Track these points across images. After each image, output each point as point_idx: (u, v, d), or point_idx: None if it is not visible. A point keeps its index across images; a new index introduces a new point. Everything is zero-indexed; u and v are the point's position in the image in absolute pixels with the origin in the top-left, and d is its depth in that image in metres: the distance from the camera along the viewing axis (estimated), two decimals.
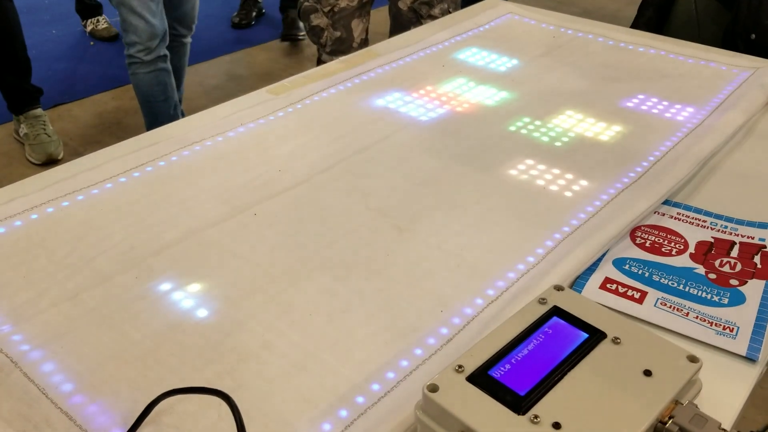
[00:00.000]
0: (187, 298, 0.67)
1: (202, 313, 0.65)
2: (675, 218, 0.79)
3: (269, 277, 0.69)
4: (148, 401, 0.55)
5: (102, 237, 0.74)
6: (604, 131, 0.96)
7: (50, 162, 2.26)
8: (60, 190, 0.80)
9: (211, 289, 0.68)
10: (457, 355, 0.54)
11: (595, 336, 0.53)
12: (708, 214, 0.80)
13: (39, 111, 2.34)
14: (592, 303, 0.57)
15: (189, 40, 2.32)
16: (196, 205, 0.80)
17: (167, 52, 2.10)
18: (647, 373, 0.50)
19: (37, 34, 3.11)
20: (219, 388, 0.54)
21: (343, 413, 0.55)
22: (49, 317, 0.64)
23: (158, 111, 2.15)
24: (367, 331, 0.63)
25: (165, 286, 0.68)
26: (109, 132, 2.48)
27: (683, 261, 0.73)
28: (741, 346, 0.62)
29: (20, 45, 2.24)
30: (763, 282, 0.70)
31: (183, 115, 2.40)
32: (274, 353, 0.61)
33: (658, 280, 0.70)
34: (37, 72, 2.35)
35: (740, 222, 0.78)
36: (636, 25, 1.69)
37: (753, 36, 1.46)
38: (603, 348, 0.52)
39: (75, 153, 2.33)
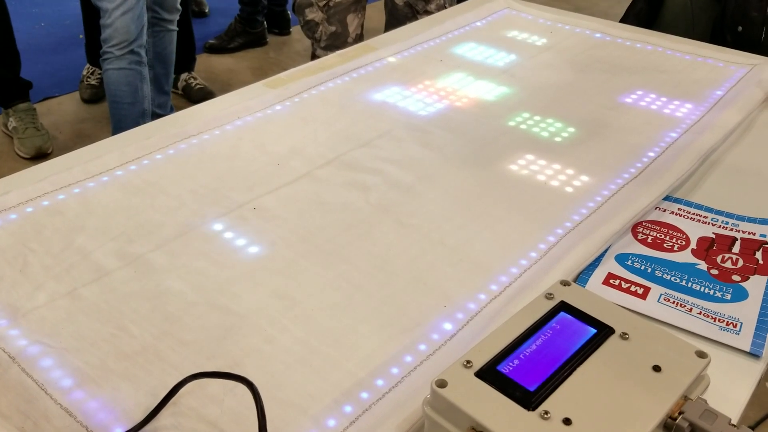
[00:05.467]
0: (187, 292, 0.66)
1: (202, 308, 0.64)
2: (676, 214, 0.79)
3: (270, 271, 0.69)
4: (149, 397, 0.55)
5: (99, 231, 0.73)
6: (604, 127, 0.96)
7: (39, 156, 2.24)
8: (56, 182, 0.79)
9: (211, 284, 0.67)
10: (461, 351, 0.53)
11: (603, 331, 0.53)
12: (709, 210, 0.80)
13: (28, 104, 2.31)
14: (599, 298, 0.56)
15: (175, 27, 2.24)
16: (194, 199, 0.79)
17: (143, 56, 2.02)
18: (656, 368, 0.50)
19: (26, 27, 3.08)
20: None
21: (348, 409, 0.55)
22: (47, 312, 0.63)
23: (123, 114, 2.05)
24: (370, 327, 0.63)
25: (164, 281, 0.67)
26: (99, 126, 2.45)
27: (685, 257, 0.73)
28: (745, 341, 0.62)
29: (9, 37, 2.21)
30: (765, 278, 0.70)
31: (173, 110, 2.38)
32: (277, 348, 0.60)
33: (660, 275, 0.70)
34: (26, 65, 2.32)
35: (741, 218, 0.78)
36: (626, 16, 1.70)
37: (740, 28, 1.47)
38: (611, 343, 0.52)
39: (64, 147, 2.30)
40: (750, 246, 0.74)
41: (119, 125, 2.04)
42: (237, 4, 3.05)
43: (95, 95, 2.60)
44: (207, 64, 2.95)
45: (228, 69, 2.95)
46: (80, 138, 2.38)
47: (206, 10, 3.41)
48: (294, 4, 1.83)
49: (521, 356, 0.50)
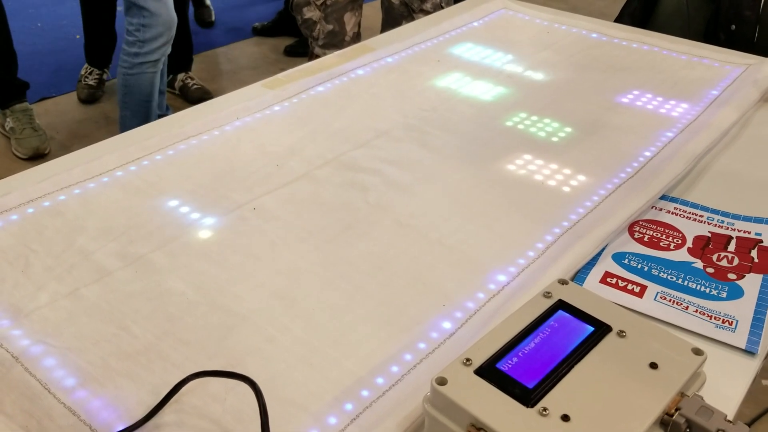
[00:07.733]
0: (188, 292, 0.66)
1: (203, 308, 0.65)
2: (672, 213, 0.80)
3: (270, 271, 0.69)
4: (152, 396, 0.55)
5: (100, 231, 0.74)
6: (600, 127, 0.96)
7: (37, 156, 2.24)
8: (56, 183, 0.79)
9: (212, 284, 0.67)
10: (460, 349, 0.54)
11: (601, 329, 0.53)
12: (705, 208, 0.80)
13: (25, 105, 2.32)
14: (597, 297, 0.57)
15: None
16: (194, 199, 0.79)
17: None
18: (653, 365, 0.50)
19: (23, 27, 3.08)
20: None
21: (349, 407, 0.55)
22: (49, 312, 0.63)
23: (149, 111, 2.13)
24: (370, 326, 0.63)
25: (165, 281, 0.67)
26: (96, 126, 2.46)
27: (681, 255, 0.73)
28: (740, 339, 0.63)
29: (6, 38, 2.21)
30: (761, 276, 0.70)
31: (169, 110, 2.38)
32: (277, 348, 0.60)
33: (657, 274, 0.71)
34: (23, 65, 2.32)
35: (736, 217, 0.79)
36: (621, 16, 1.71)
37: (733, 27, 1.48)
38: (609, 341, 0.52)
39: (62, 147, 2.31)
40: (745, 244, 0.75)
41: (134, 122, 2.07)
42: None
43: (93, 95, 2.60)
44: (204, 65, 2.95)
45: (226, 69, 2.95)
46: (77, 138, 2.38)
47: (212, 19, 3.37)
48: (292, 3, 1.83)
49: (520, 354, 0.51)
